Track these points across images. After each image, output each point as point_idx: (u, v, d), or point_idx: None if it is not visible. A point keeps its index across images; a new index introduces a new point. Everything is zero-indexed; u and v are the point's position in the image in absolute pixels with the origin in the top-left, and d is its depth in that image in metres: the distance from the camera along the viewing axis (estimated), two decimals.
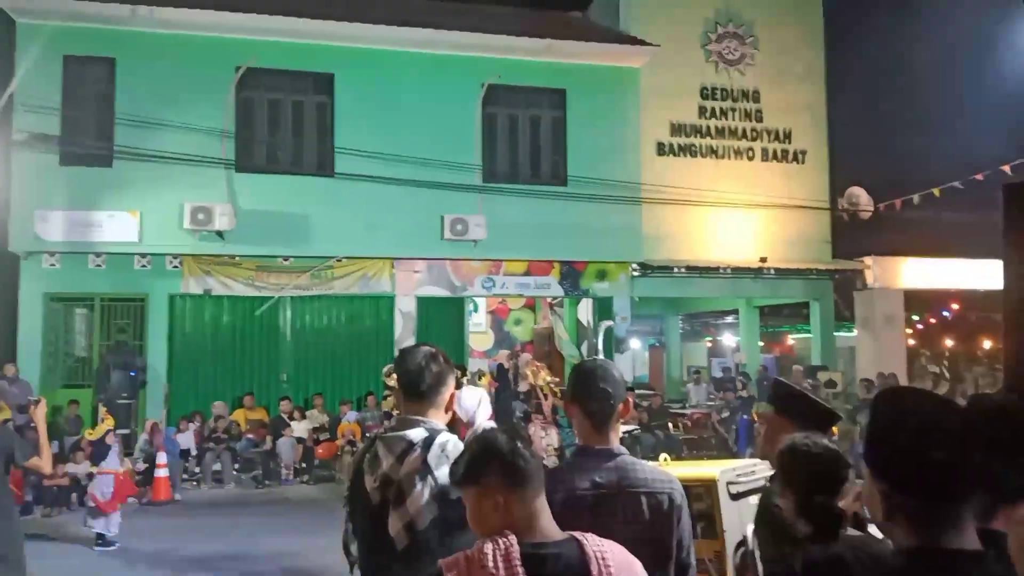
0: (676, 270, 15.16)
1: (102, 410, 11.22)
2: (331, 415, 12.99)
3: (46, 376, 12.62)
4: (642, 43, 15.00)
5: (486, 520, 1.86)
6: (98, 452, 9.55)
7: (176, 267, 13.15)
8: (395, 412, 11.77)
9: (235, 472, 11.95)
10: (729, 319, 22.15)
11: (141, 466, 10.87)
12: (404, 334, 14.01)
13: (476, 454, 1.88)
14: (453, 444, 2.42)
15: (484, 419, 7.08)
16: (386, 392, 12.11)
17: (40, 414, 4.92)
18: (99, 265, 12.91)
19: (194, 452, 11.95)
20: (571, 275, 14.85)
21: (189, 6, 12.88)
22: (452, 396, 2.61)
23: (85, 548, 8.44)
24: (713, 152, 15.89)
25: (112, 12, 12.58)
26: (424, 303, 14.28)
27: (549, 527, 1.86)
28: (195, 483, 11.77)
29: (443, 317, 14.48)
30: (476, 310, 16.37)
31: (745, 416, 13.72)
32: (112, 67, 12.89)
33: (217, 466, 11.82)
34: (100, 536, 8.45)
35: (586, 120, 14.61)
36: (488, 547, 1.87)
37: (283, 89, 13.74)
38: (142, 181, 12.65)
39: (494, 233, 13.76)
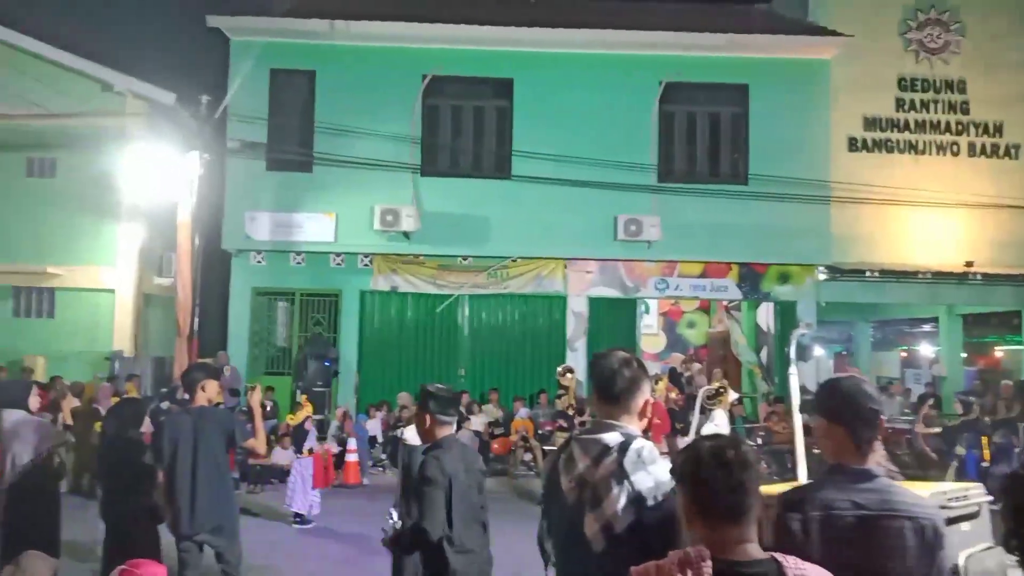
0: (868, 274, 14.17)
1: (302, 397, 12.13)
2: (505, 410, 13.30)
3: (251, 364, 13.85)
4: (833, 34, 14.18)
5: (690, 524, 1.87)
6: (298, 436, 10.30)
7: (367, 265, 14.00)
8: (569, 411, 11.89)
9: None
10: (927, 327, 20.40)
11: (335, 449, 11.63)
12: (576, 334, 14.10)
13: (695, 458, 1.88)
14: (648, 450, 2.42)
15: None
16: (560, 391, 12.22)
17: (255, 399, 5.40)
18: (299, 262, 13.98)
19: (380, 439, 12.65)
20: (750, 277, 14.31)
21: (381, 19, 13.65)
22: (647, 403, 2.58)
23: (284, 525, 9.16)
24: (912, 147, 14.74)
25: (313, 27, 13.58)
26: (596, 303, 14.30)
27: (751, 546, 1.81)
28: (381, 468, 12.45)
29: (614, 318, 14.42)
30: (648, 311, 16.17)
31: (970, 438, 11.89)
32: (313, 79, 13.91)
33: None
34: (297, 515, 9.15)
35: (770, 116, 14.01)
36: (680, 560, 1.85)
37: (465, 95, 14.24)
38: (338, 185, 13.55)
39: (669, 233, 13.53)
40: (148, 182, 13.08)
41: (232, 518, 5.21)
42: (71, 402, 11.03)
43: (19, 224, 14.14)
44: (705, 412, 8.04)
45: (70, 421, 10.67)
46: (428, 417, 3.95)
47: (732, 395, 8.32)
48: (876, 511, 2.17)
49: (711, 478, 1.82)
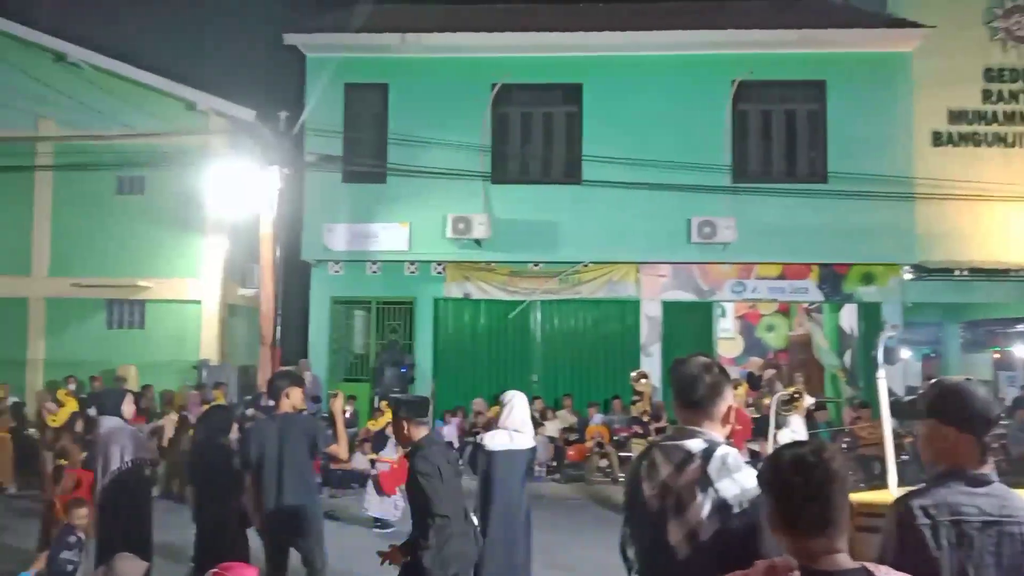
0: (957, 273, 13.62)
1: (382, 404, 12.36)
2: (579, 416, 13.26)
3: (331, 371, 14.19)
4: (914, 25, 13.67)
5: (775, 533, 1.85)
6: (378, 442, 10.49)
7: (440, 273, 14.19)
8: (644, 417, 11.77)
9: None
10: (1020, 328, 19.43)
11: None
12: (650, 338, 13.96)
13: (776, 466, 1.85)
14: (734, 457, 2.39)
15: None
16: (635, 397, 12.13)
17: (338, 406, 5.54)
18: (375, 271, 14.27)
19: (456, 445, 12.76)
20: (831, 279, 13.90)
21: (451, 31, 13.84)
22: (730, 409, 2.56)
23: (364, 529, 9.33)
24: (1001, 140, 14.09)
25: (385, 42, 13.87)
26: (670, 307, 14.13)
27: (840, 556, 1.77)
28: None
29: (689, 322, 14.22)
30: (724, 315, 15.86)
31: None
32: (385, 92, 14.19)
33: None
34: (377, 519, 9.32)
35: (849, 112, 13.61)
36: (766, 570, 1.82)
37: (534, 102, 14.30)
38: (411, 195, 13.79)
39: (745, 235, 13.27)
40: (231, 197, 13.58)
41: (317, 522, 5.36)
42: (173, 419, 11.50)
43: (111, 240, 14.86)
44: (780, 418, 7.85)
45: (171, 434, 11.13)
46: (404, 423, 4.42)
47: (808, 400, 8.09)
48: (997, 516, 2.13)
49: (792, 487, 1.78)
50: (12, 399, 12.98)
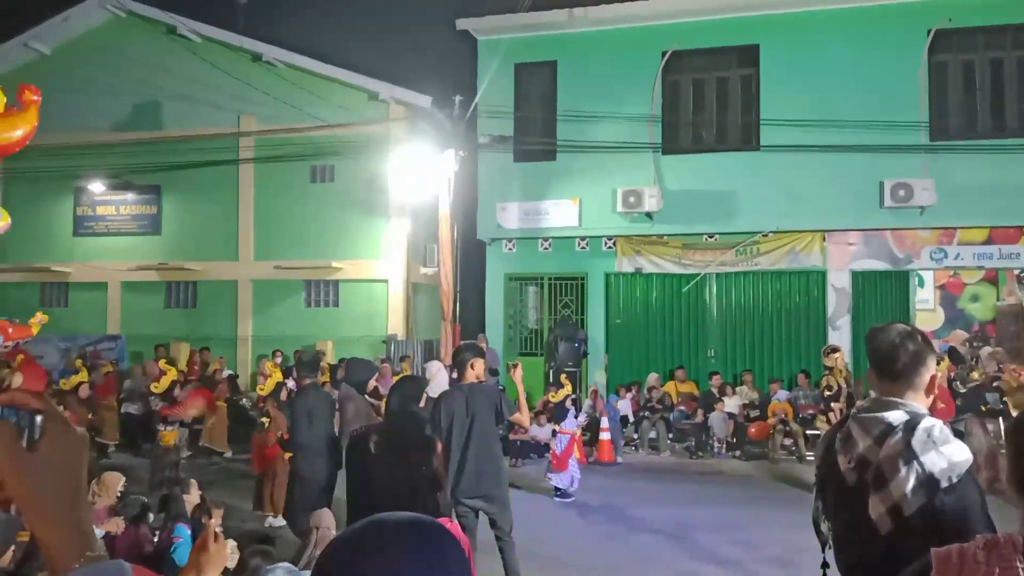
0: None
1: (562, 376, 12.61)
2: (761, 392, 12.83)
3: (507, 345, 14.61)
4: None
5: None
6: (558, 413, 10.73)
7: (610, 248, 14.17)
8: (827, 393, 11.19)
9: (670, 441, 12.51)
10: None
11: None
12: (838, 311, 13.23)
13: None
14: (940, 429, 2.26)
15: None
16: (825, 372, 11.53)
17: (518, 376, 5.72)
18: (546, 248, 14.48)
19: (631, 419, 12.79)
20: None
21: (619, 1, 13.66)
22: (933, 378, 2.42)
23: (545, 497, 9.60)
24: None
25: (553, 19, 13.93)
26: (860, 277, 13.30)
27: None
28: (633, 448, 12.59)
29: (883, 292, 13.32)
30: (922, 285, 14.74)
31: None
32: (554, 69, 14.27)
33: (653, 434, 12.48)
34: (558, 489, 9.54)
35: None
36: (987, 543, 1.71)
37: (707, 68, 13.83)
38: (580, 171, 13.83)
39: (945, 197, 12.19)
40: (411, 181, 14.27)
41: (503, 487, 5.58)
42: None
43: (306, 225, 16.07)
44: None
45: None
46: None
47: None
48: None
49: (1016, 445, 1.68)
50: (227, 371, 14.44)
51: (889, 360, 2.41)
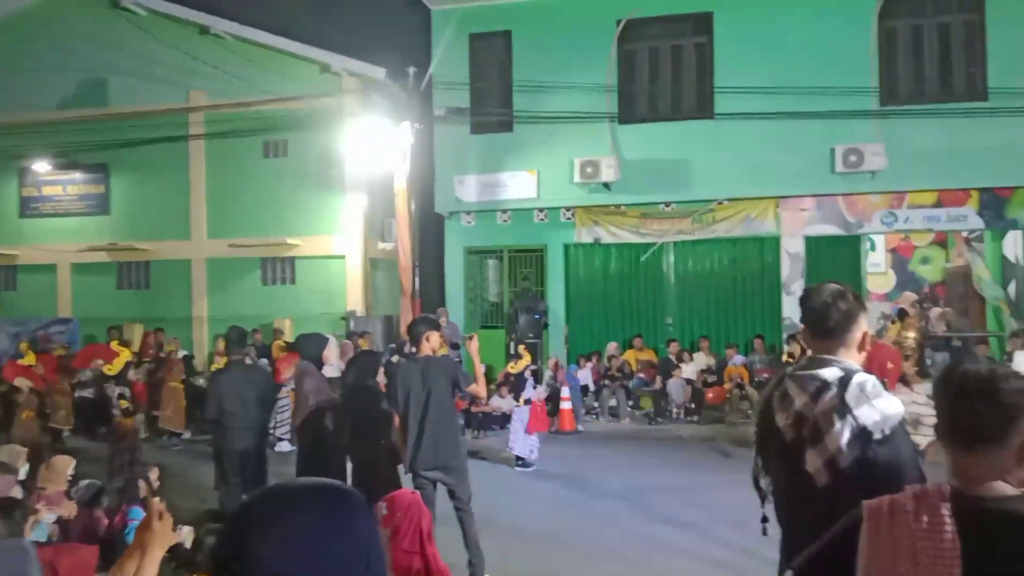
0: None
1: (520, 347, 12.66)
2: (718, 357, 13.04)
3: (468, 319, 14.60)
4: None
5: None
6: (517, 385, 10.79)
7: (569, 219, 14.19)
8: (787, 360, 11.39)
9: (629, 408, 12.67)
10: None
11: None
12: (792, 276, 13.44)
13: (939, 377, 1.78)
14: (872, 384, 2.32)
15: None
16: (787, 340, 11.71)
17: (474, 348, 5.73)
18: (505, 220, 14.46)
19: (592, 388, 12.91)
20: (994, 204, 12.82)
21: None
22: (865, 335, 2.48)
23: (506, 467, 9.67)
24: None
25: None
26: (813, 243, 13.51)
27: (1000, 484, 1.67)
28: (594, 416, 12.73)
29: (835, 257, 13.55)
30: (874, 248, 15.01)
31: None
32: (509, 39, 14.14)
33: (613, 402, 12.63)
34: (519, 458, 9.62)
35: (1011, 21, 12.30)
36: (916, 493, 1.76)
37: (662, 36, 13.81)
38: (537, 142, 13.78)
39: (896, 162, 12.40)
40: (366, 154, 14.08)
41: (460, 457, 5.60)
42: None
43: (261, 201, 15.78)
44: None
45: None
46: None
47: None
48: None
49: (943, 397, 1.72)
50: (182, 352, 14.21)
51: (822, 319, 2.46)
